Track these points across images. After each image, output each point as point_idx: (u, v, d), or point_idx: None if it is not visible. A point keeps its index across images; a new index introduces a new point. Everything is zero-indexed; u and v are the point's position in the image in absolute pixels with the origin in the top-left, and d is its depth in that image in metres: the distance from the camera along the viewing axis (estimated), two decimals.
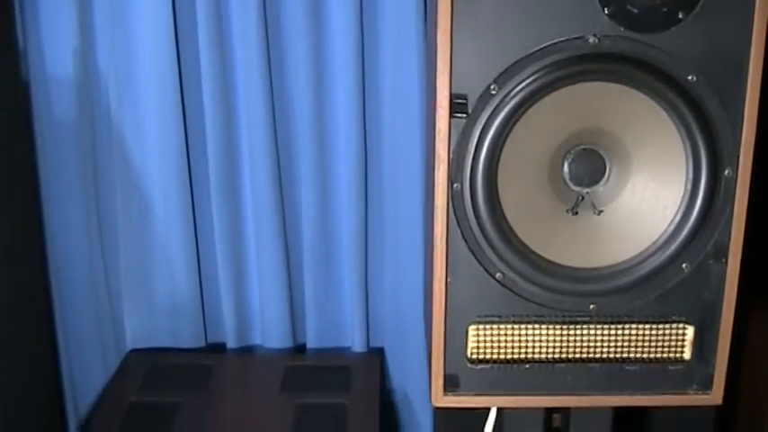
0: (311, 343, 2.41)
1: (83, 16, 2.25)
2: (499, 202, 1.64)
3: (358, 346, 2.41)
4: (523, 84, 1.61)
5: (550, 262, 1.68)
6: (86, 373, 2.43)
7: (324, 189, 2.31)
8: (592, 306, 1.70)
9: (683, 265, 1.68)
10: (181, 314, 2.38)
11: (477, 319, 1.71)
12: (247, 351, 2.44)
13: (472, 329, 1.71)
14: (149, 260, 2.35)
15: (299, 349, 2.42)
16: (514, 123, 1.63)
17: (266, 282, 2.34)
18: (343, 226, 2.32)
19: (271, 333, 2.38)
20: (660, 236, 1.68)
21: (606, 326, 1.72)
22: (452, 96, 1.62)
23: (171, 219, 2.34)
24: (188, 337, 2.38)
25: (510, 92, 1.62)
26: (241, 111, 2.29)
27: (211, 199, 2.30)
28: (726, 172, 1.65)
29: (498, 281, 1.68)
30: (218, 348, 2.43)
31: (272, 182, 2.31)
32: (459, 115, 1.62)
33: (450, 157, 1.65)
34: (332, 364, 2.34)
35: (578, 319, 1.72)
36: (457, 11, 1.61)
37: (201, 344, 2.39)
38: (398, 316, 2.40)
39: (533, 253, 1.68)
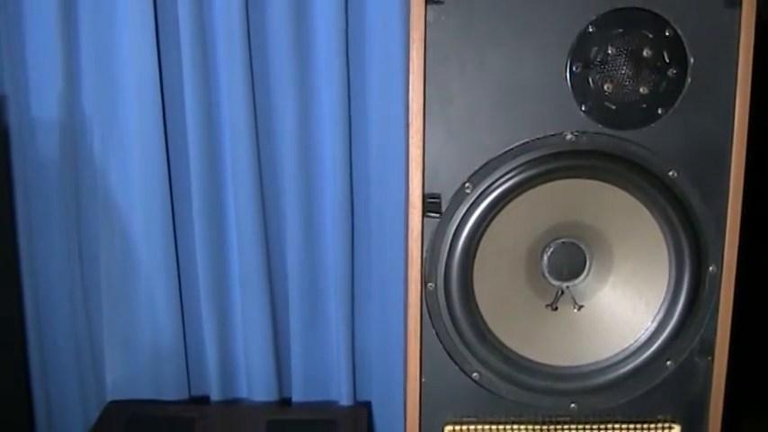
0: (297, 396, 2.37)
1: (69, 60, 2.20)
2: (475, 301, 1.59)
3: (345, 399, 2.36)
4: (499, 182, 1.54)
5: (529, 360, 1.63)
6: (65, 424, 2.39)
7: (309, 237, 2.27)
8: (573, 405, 1.65)
9: (668, 362, 1.63)
10: (164, 364, 2.34)
11: (454, 419, 1.67)
12: (231, 404, 2.36)
13: (448, 430, 1.65)
14: (132, 308, 2.31)
15: (285, 402, 2.36)
16: (490, 221, 1.55)
17: (251, 333, 2.31)
18: (329, 276, 2.26)
19: (256, 385, 2.33)
20: (643, 332, 1.62)
21: (588, 425, 1.68)
22: (425, 196, 1.54)
23: (155, 266, 2.29)
24: (171, 389, 2.34)
25: (485, 190, 1.55)
26: (226, 155, 2.24)
27: (196, 246, 2.25)
28: (710, 268, 1.59)
29: (475, 380, 1.63)
30: (202, 401, 2.34)
31: (257, 231, 2.27)
32: (433, 215, 1.55)
33: (424, 256, 1.57)
34: (317, 418, 2.29)
35: (559, 418, 1.67)
36: (429, 107, 1.54)
37: (185, 396, 2.34)
38: (386, 369, 2.35)
39: (511, 351, 1.62)
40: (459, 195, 1.57)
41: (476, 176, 1.56)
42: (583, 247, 1.61)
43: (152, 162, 2.21)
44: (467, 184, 1.55)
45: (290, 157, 2.21)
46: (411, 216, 1.56)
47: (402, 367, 2.14)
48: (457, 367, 1.63)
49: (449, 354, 1.63)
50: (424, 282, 1.59)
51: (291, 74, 2.16)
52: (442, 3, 1.52)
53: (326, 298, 2.33)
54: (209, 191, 2.22)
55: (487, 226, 1.57)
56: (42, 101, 2.21)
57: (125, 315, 2.30)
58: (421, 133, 1.54)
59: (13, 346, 2.21)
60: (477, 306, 1.59)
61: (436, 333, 1.61)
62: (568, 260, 1.62)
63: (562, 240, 1.61)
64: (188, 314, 2.35)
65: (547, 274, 1.62)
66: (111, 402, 2.36)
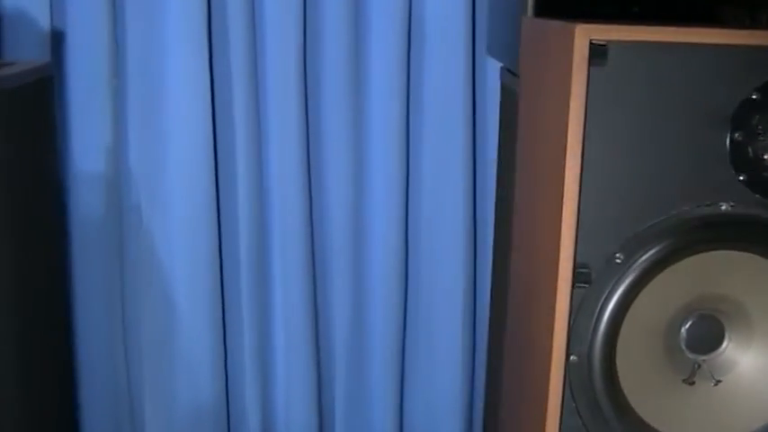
0: None
1: (115, 114, 2.13)
2: (617, 375, 1.50)
3: None
4: (651, 253, 1.46)
5: None
6: None
7: (358, 301, 2.20)
8: None
9: None
10: (204, 427, 2.24)
11: None
12: None
13: None
14: (174, 369, 2.24)
15: None
16: (638, 293, 1.47)
17: (294, 397, 2.23)
18: (377, 342, 2.20)
19: None
20: None
21: None
22: (575, 266, 1.46)
23: (198, 322, 2.22)
24: None
25: (637, 261, 1.48)
26: (275, 214, 2.21)
27: (242, 307, 2.16)
28: None
29: None
30: None
31: (304, 293, 2.23)
32: (582, 285, 1.47)
33: (569, 328, 1.49)
34: None
35: None
36: (586, 177, 1.46)
37: None
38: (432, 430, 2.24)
39: (649, 428, 1.54)
40: (610, 266, 1.49)
41: (627, 246, 1.47)
42: (722, 319, 1.54)
43: (198, 219, 2.16)
44: (618, 255, 1.47)
45: (341, 221, 2.22)
46: (559, 286, 1.48)
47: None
48: None
49: (587, 429, 1.53)
50: (567, 355, 1.49)
51: (346, 132, 2.19)
52: (604, 65, 1.43)
53: (373, 364, 2.28)
54: (257, 248, 2.19)
55: (634, 297, 1.48)
56: (88, 154, 2.14)
57: (167, 376, 2.19)
58: (575, 201, 1.46)
59: (54, 404, 2.07)
60: (618, 380, 1.50)
61: (576, 407, 1.52)
62: (706, 333, 1.56)
63: (701, 312, 1.53)
64: (231, 376, 2.26)
65: (684, 348, 1.54)
66: None
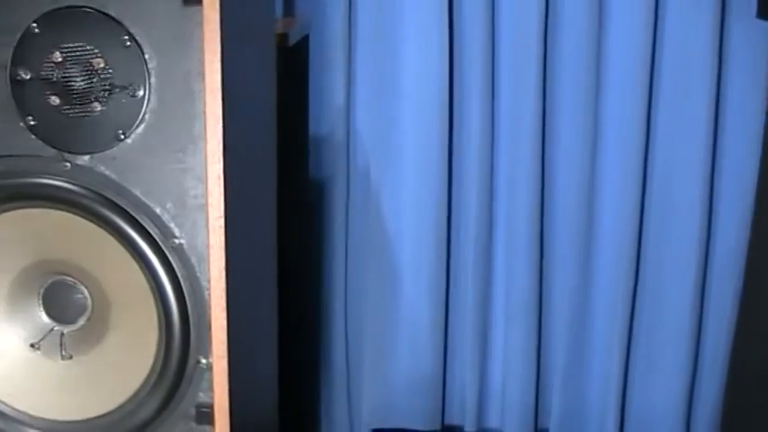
0: (554, 431, 2.06)
1: (347, 73, 2.02)
2: None
3: None
4: None
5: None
6: None
7: (585, 270, 2.00)
8: None
9: None
10: (420, 392, 2.11)
11: None
12: None
13: None
14: (395, 332, 2.10)
15: None
16: None
17: (512, 368, 2.04)
18: (601, 314, 2.01)
19: (511, 418, 2.09)
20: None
21: None
22: None
23: (421, 294, 2.06)
24: (424, 418, 2.12)
25: None
26: (503, 184, 2.02)
27: (467, 274, 2.04)
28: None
29: None
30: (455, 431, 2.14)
31: (527, 268, 2.01)
32: None
33: None
34: None
35: None
36: None
37: (437, 426, 2.11)
38: (654, 414, 2.04)
39: None
40: None
41: None
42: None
43: (429, 188, 2.02)
44: None
45: (570, 200, 2.02)
46: None
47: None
48: None
49: None
50: None
51: (580, 108, 1.96)
52: None
53: (595, 345, 2.07)
54: (484, 223, 2.03)
55: None
56: (319, 114, 2.07)
57: (387, 344, 2.12)
58: None
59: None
60: None
61: None
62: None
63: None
64: (450, 350, 2.13)
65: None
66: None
